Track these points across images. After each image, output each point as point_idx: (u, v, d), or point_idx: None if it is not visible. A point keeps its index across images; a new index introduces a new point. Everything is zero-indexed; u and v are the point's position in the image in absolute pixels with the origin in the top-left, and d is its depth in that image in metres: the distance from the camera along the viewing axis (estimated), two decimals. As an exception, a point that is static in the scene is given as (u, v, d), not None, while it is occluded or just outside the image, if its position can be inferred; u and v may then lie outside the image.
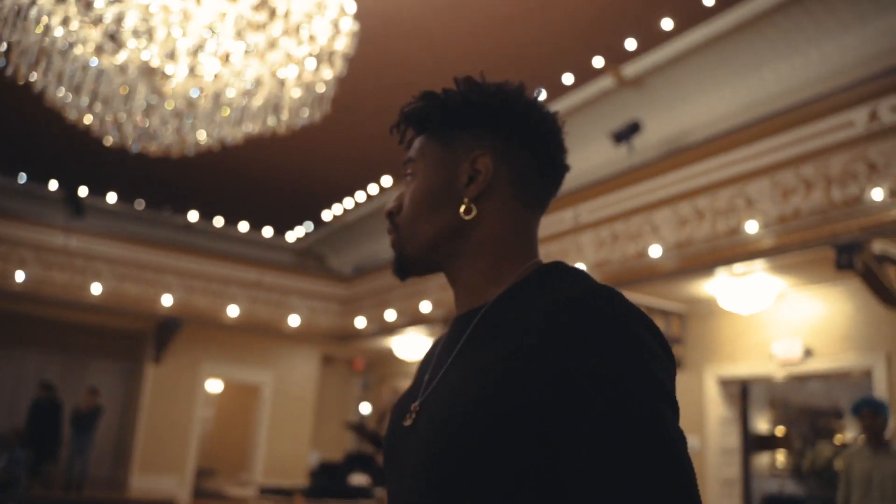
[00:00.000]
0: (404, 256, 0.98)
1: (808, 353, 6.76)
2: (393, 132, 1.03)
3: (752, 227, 6.02)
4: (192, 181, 12.20)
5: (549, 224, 8.08)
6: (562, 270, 0.91)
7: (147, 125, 4.44)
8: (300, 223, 14.56)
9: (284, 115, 4.86)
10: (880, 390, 6.12)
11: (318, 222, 14.41)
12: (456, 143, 0.96)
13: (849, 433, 9.73)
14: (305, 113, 4.87)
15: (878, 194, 5.22)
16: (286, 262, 13.78)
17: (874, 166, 5.30)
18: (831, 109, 5.67)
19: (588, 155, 9.09)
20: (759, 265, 6.26)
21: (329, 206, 13.42)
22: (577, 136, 9.59)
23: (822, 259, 5.84)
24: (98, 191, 12.83)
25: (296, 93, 4.74)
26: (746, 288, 6.70)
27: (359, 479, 8.28)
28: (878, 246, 5.47)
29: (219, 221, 14.64)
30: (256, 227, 14.90)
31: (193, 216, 14.41)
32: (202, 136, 4.53)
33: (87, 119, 4.55)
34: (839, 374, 6.91)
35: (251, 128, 4.71)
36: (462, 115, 0.97)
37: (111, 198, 13.57)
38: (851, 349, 6.49)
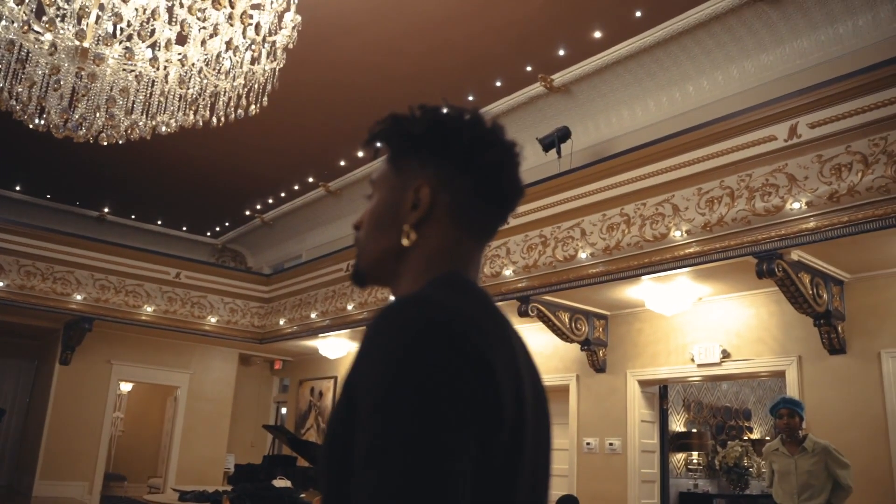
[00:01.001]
0: (358, 268, 1.06)
1: (725, 355, 7.05)
2: (364, 150, 1.08)
3: (677, 233, 6.24)
4: (105, 174, 11.74)
5: (478, 227, 8.10)
6: (432, 281, 0.95)
7: (76, 111, 4.22)
8: (218, 220, 14.20)
9: (221, 107, 4.71)
10: (792, 391, 6.42)
11: (236, 219, 14.09)
12: (405, 169, 1.02)
13: (755, 432, 10.22)
14: (242, 106, 4.73)
15: (797, 205, 5.49)
16: (203, 260, 13.36)
17: (794, 178, 5.57)
18: (754, 124, 5.92)
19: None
20: (680, 270, 6.48)
21: (250, 204, 13.15)
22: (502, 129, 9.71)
23: (742, 266, 6.10)
24: (2, 181, 12.17)
25: (235, 84, 4.61)
26: (669, 292, 6.93)
27: (281, 482, 8.09)
28: (796, 255, 5.75)
29: (133, 216, 14.12)
30: (173, 223, 14.44)
31: (105, 210, 13.86)
32: (136, 123, 4.33)
33: (9, 103, 4.30)
34: (754, 376, 7.24)
35: (187, 118, 4.54)
36: (411, 141, 1.01)
37: (17, 189, 12.89)
38: (766, 353, 6.80)
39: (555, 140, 8.20)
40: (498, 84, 8.66)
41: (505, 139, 1.02)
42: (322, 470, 0.88)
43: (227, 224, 14.37)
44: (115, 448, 13.69)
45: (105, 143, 4.38)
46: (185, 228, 14.69)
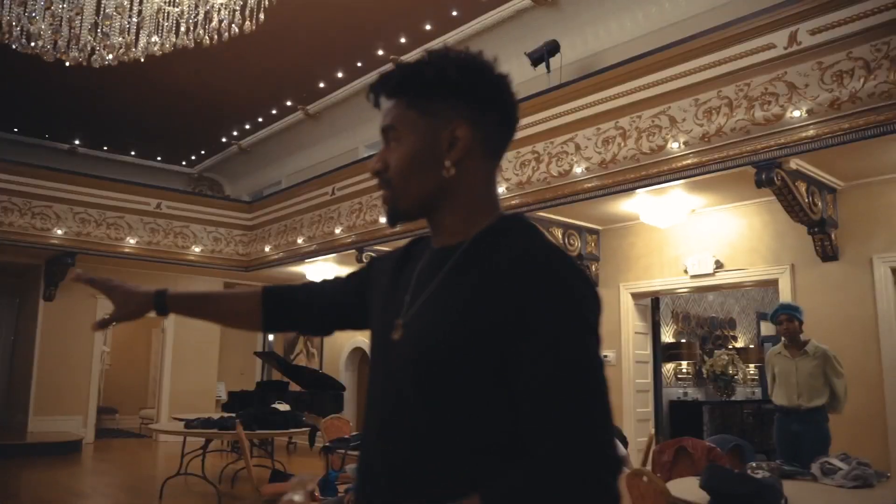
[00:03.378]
0: (398, 210, 1.16)
1: (718, 266, 7.15)
2: (368, 96, 1.16)
3: (675, 145, 6.22)
4: (75, 104, 11.35)
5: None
6: (523, 224, 1.13)
7: (67, 30, 4.01)
8: (194, 148, 13.89)
9: (214, 26, 4.52)
10: (785, 299, 6.55)
11: (212, 147, 13.78)
12: (435, 112, 1.11)
13: (740, 341, 10.50)
14: (237, 22, 4.54)
15: (797, 113, 5.48)
16: (184, 189, 13.12)
17: (794, 86, 5.54)
18: (752, 32, 5.84)
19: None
20: (677, 182, 6.49)
21: (226, 130, 12.85)
22: (493, 56, 9.51)
23: (738, 176, 6.12)
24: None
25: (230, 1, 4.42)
26: (664, 204, 6.96)
27: (281, 406, 8.19)
28: (794, 163, 5.78)
29: (105, 148, 13.74)
30: (146, 153, 14.09)
31: (76, 143, 13.45)
32: (131, 45, 4.14)
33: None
34: (747, 285, 7.39)
35: (182, 38, 4.35)
36: (440, 87, 1.11)
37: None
38: (759, 262, 6.91)
39: (544, 54, 8.05)
40: (484, -3, 8.42)
41: (507, 75, 1.15)
42: (439, 372, 1.03)
43: (202, 152, 14.07)
44: (103, 382, 13.70)
45: (97, 66, 4.18)
46: (159, 158, 14.35)
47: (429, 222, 1.18)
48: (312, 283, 1.45)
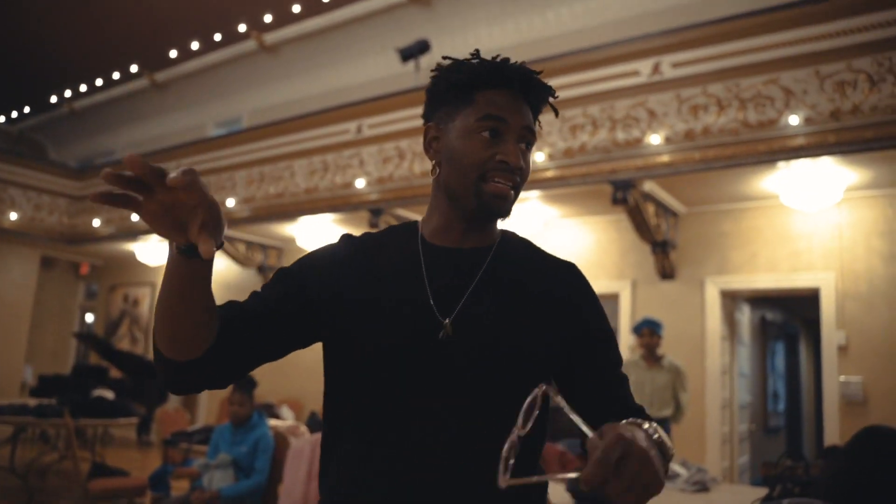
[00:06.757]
0: (509, 211, 1.20)
1: (565, 277, 7.44)
2: (536, 88, 1.21)
3: (539, 157, 6.40)
4: None
5: (330, 134, 7.87)
6: (520, 237, 1.30)
7: None
8: (16, 103, 12.56)
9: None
10: (624, 312, 6.96)
11: (39, 106, 12.55)
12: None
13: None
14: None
15: (655, 139, 5.82)
16: (3, 147, 11.83)
17: (654, 114, 5.89)
18: (620, 57, 6.15)
19: (373, 67, 8.93)
20: (536, 193, 6.69)
21: (57, 89, 11.73)
22: (362, 47, 9.36)
23: (593, 192, 6.42)
24: None
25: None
26: (520, 214, 7.15)
27: (105, 393, 7.57)
28: (648, 185, 6.13)
29: None
30: (-44, 103, 12.57)
31: None
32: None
33: None
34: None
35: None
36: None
37: None
38: (603, 276, 7.27)
39: (414, 52, 8.01)
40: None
41: None
42: (530, 374, 1.06)
43: (26, 110, 12.75)
44: None
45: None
46: (-29, 111, 12.87)
47: (487, 225, 1.23)
48: (237, 303, 1.15)
